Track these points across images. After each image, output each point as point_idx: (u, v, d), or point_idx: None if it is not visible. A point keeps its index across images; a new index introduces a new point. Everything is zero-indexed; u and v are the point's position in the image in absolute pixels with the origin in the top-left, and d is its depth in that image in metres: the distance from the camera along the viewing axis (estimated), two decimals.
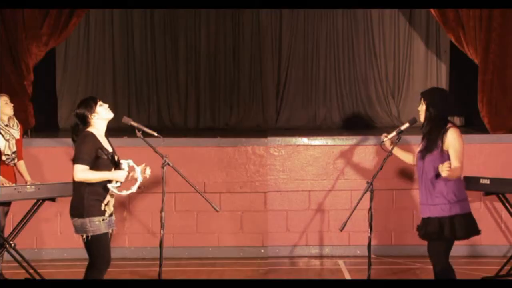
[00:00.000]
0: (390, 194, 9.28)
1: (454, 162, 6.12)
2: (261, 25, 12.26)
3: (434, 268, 6.29)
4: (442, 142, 6.16)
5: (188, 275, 8.44)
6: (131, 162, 6.05)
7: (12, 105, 7.96)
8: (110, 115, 6.14)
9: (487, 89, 9.64)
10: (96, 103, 6.08)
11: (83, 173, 5.91)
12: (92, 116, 6.05)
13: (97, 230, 5.97)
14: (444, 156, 6.15)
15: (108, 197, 6.01)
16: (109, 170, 6.01)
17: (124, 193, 6.03)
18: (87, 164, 5.91)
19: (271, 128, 11.89)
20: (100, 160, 5.96)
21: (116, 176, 5.99)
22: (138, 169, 6.08)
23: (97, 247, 5.99)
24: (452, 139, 6.16)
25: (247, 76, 12.27)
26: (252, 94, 12.27)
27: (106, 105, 6.14)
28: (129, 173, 6.04)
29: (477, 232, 6.29)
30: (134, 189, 6.08)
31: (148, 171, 6.16)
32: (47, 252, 9.26)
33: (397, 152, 6.77)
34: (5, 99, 7.89)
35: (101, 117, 6.07)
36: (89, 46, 12.14)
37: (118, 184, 6.01)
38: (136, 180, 6.10)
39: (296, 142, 9.42)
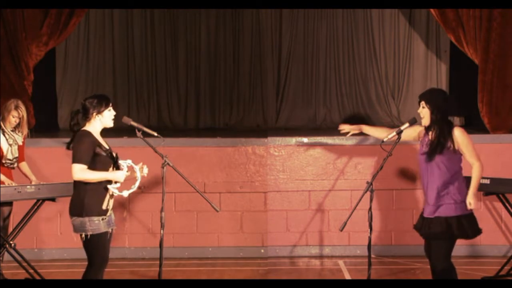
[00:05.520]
0: (390, 194, 9.29)
1: (471, 160, 6.27)
2: (261, 25, 12.26)
3: (433, 267, 6.32)
4: (452, 142, 6.23)
5: (188, 275, 8.44)
6: (130, 162, 6.05)
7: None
8: (110, 124, 6.13)
9: (487, 89, 9.64)
10: (107, 106, 6.08)
11: (81, 172, 5.91)
12: (95, 115, 6.05)
13: (96, 230, 5.97)
14: (458, 155, 6.26)
15: (108, 196, 6.02)
16: (108, 166, 6.01)
17: (125, 193, 6.03)
18: (85, 164, 5.91)
19: (271, 128, 11.89)
20: (99, 157, 5.96)
21: (116, 176, 5.99)
22: (137, 169, 6.08)
23: (96, 246, 5.98)
24: (462, 139, 6.27)
25: (247, 76, 12.27)
26: (252, 94, 12.27)
27: (114, 113, 6.13)
28: (128, 172, 6.05)
29: (479, 231, 6.35)
30: (134, 188, 6.08)
31: (145, 170, 6.17)
32: (47, 252, 9.26)
33: (369, 130, 7.08)
34: (18, 105, 7.92)
35: (103, 121, 6.08)
36: (89, 46, 12.14)
37: (118, 184, 6.01)
38: (135, 179, 6.11)
39: (296, 142, 9.42)
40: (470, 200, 6.23)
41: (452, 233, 6.20)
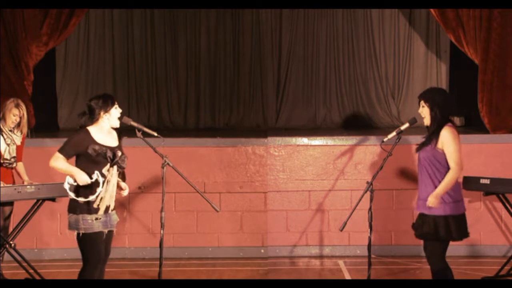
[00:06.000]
0: (390, 194, 9.28)
1: (449, 162, 6.16)
2: (261, 25, 12.26)
3: (431, 268, 6.31)
4: (436, 139, 6.17)
5: (188, 275, 8.44)
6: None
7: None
8: (117, 123, 6.14)
9: (487, 89, 9.64)
10: (113, 104, 6.10)
11: (54, 160, 6.01)
12: (103, 115, 6.05)
13: (89, 229, 5.97)
14: (437, 153, 6.16)
15: (99, 193, 5.99)
16: (100, 166, 5.99)
17: (71, 195, 5.99)
18: (64, 155, 5.99)
19: (271, 128, 11.89)
20: (89, 157, 5.96)
21: (78, 175, 5.98)
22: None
23: (88, 245, 5.99)
24: (445, 138, 6.16)
25: (247, 76, 12.26)
26: (252, 94, 12.26)
27: (120, 111, 6.15)
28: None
29: (466, 234, 6.28)
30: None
31: (125, 193, 6.25)
32: (47, 252, 9.27)
33: None
34: (19, 103, 7.92)
35: (110, 120, 6.08)
36: (89, 46, 12.13)
37: (74, 183, 6.00)
38: (120, 190, 6.19)
39: (296, 142, 9.42)
40: (430, 199, 6.10)
41: (438, 234, 6.15)
